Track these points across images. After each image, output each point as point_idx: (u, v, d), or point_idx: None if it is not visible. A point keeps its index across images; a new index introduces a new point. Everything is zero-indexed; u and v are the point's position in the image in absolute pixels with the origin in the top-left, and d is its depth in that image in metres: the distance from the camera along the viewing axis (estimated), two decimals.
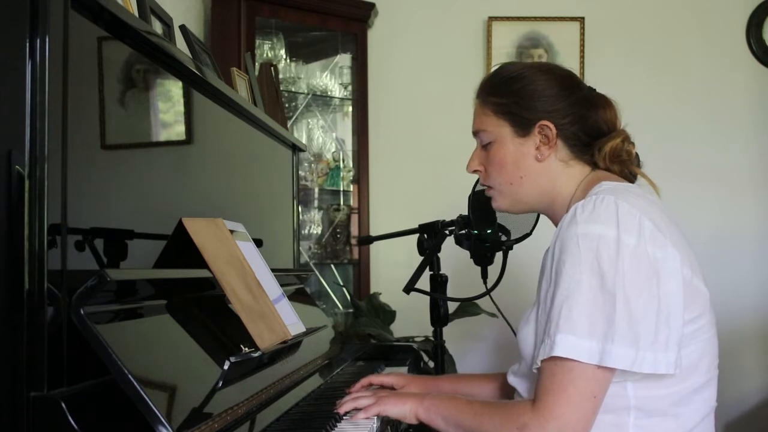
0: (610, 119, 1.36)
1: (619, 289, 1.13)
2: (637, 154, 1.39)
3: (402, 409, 1.36)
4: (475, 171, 1.42)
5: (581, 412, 1.14)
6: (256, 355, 1.27)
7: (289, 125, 2.98)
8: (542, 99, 1.33)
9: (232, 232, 1.45)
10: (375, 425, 1.34)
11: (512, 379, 1.39)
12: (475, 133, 1.40)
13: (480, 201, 1.89)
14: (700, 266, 1.26)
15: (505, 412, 1.22)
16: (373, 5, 3.24)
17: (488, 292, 1.89)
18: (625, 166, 1.35)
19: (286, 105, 3.10)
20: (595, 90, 1.39)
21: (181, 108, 1.47)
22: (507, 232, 1.91)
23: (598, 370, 1.14)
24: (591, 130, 1.34)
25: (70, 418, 0.90)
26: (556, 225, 1.39)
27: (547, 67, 1.39)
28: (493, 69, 1.43)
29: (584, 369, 1.14)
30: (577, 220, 1.19)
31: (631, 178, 1.37)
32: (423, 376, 1.78)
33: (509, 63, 1.45)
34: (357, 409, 1.38)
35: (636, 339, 1.13)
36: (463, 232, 1.93)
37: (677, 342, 1.16)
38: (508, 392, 1.49)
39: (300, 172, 2.74)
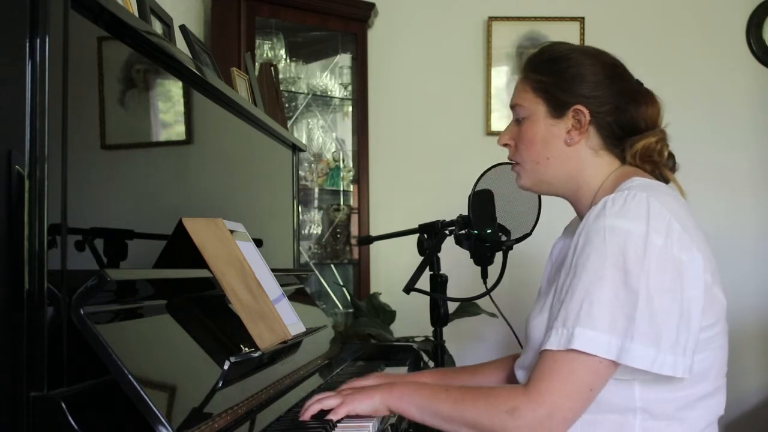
0: (650, 117, 1.33)
1: (643, 288, 1.12)
2: (673, 157, 1.36)
3: (371, 404, 1.28)
4: (505, 145, 1.40)
5: (574, 401, 1.14)
6: (256, 355, 1.27)
7: (289, 125, 2.98)
8: (583, 83, 1.30)
9: (232, 232, 1.45)
10: (377, 423, 1.34)
11: (520, 373, 1.36)
12: (512, 107, 1.39)
13: (480, 201, 1.89)
14: (720, 274, 1.25)
15: (491, 397, 1.19)
16: (373, 5, 3.24)
17: (488, 292, 1.89)
18: (657, 167, 1.33)
19: (286, 105, 3.10)
20: (642, 84, 1.37)
21: (181, 108, 1.47)
22: (507, 232, 1.91)
23: (602, 364, 1.13)
24: (626, 124, 1.31)
25: (70, 418, 0.90)
26: (578, 213, 1.37)
27: (595, 52, 1.36)
28: (543, 45, 1.41)
29: (590, 361, 1.13)
30: (606, 214, 1.17)
31: (661, 180, 1.34)
32: (407, 374, 1.76)
33: (559, 42, 1.42)
34: (324, 411, 1.29)
35: (657, 339, 1.12)
36: (463, 232, 1.93)
37: (693, 347, 1.15)
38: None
39: (300, 172, 2.74)
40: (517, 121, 1.37)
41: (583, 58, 1.33)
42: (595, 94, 1.30)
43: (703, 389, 1.22)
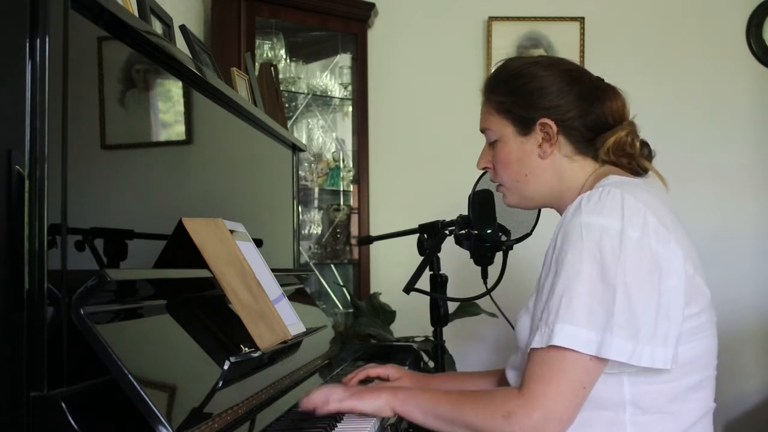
0: (616, 111, 1.34)
1: (620, 281, 1.13)
2: (648, 146, 1.37)
3: (376, 403, 1.29)
4: (485, 168, 1.42)
5: (569, 401, 1.14)
6: (256, 355, 1.27)
7: (289, 125, 2.98)
8: (543, 96, 1.32)
9: (232, 232, 1.45)
10: (377, 423, 1.34)
11: (510, 374, 1.38)
12: (482, 131, 1.41)
13: (480, 200, 1.89)
14: (702, 266, 1.26)
15: (488, 400, 1.20)
16: (373, 5, 3.24)
17: (488, 292, 1.89)
18: (633, 159, 1.33)
19: (286, 105, 3.10)
20: (602, 80, 1.38)
21: (181, 108, 1.47)
22: (507, 232, 1.91)
23: (591, 361, 1.14)
24: (594, 124, 1.32)
25: (70, 418, 0.90)
26: None
27: (548, 61, 1.38)
28: (497, 64, 1.43)
29: (577, 358, 1.14)
30: (582, 211, 1.19)
31: (640, 171, 1.35)
32: (419, 372, 1.78)
33: (513, 59, 1.44)
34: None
35: (635, 332, 1.13)
36: (463, 232, 1.93)
37: (675, 338, 1.16)
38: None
39: (300, 172, 2.74)
40: (491, 144, 1.39)
41: (538, 70, 1.34)
42: (557, 104, 1.31)
43: (692, 380, 1.22)
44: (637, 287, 1.14)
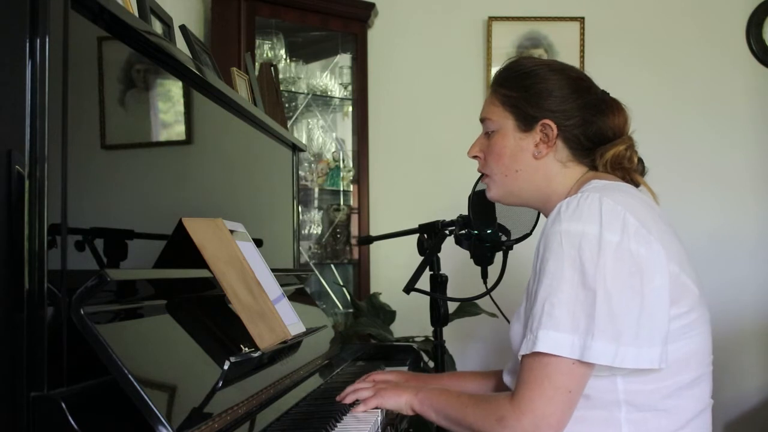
0: (618, 125, 1.36)
1: (600, 286, 1.14)
2: (641, 161, 1.39)
3: (398, 402, 1.39)
4: (474, 157, 1.44)
5: (556, 406, 1.16)
6: (256, 355, 1.27)
7: (289, 125, 2.98)
8: (550, 98, 1.33)
9: (232, 232, 1.45)
10: (378, 423, 1.34)
11: (507, 378, 1.40)
12: (482, 120, 1.43)
13: (480, 201, 1.89)
14: (692, 265, 1.26)
15: (487, 404, 1.24)
16: (373, 5, 3.24)
17: (488, 292, 1.89)
18: (627, 173, 1.36)
19: (286, 105, 3.10)
20: (608, 94, 1.40)
21: (181, 108, 1.47)
22: (507, 232, 1.91)
23: (574, 366, 1.15)
24: (594, 135, 1.35)
25: (70, 418, 0.90)
26: None
27: (561, 66, 1.40)
28: (510, 60, 1.44)
29: (560, 363, 1.15)
30: (561, 218, 1.20)
31: (632, 185, 1.36)
32: (424, 374, 1.79)
33: (526, 57, 1.47)
34: (356, 401, 1.43)
35: (617, 335, 1.14)
36: (463, 232, 1.93)
37: (662, 338, 1.17)
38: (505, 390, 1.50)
39: (300, 172, 2.74)
40: (487, 134, 1.41)
41: (549, 73, 1.36)
42: (561, 109, 1.33)
43: (686, 378, 1.23)
44: (618, 290, 1.15)
